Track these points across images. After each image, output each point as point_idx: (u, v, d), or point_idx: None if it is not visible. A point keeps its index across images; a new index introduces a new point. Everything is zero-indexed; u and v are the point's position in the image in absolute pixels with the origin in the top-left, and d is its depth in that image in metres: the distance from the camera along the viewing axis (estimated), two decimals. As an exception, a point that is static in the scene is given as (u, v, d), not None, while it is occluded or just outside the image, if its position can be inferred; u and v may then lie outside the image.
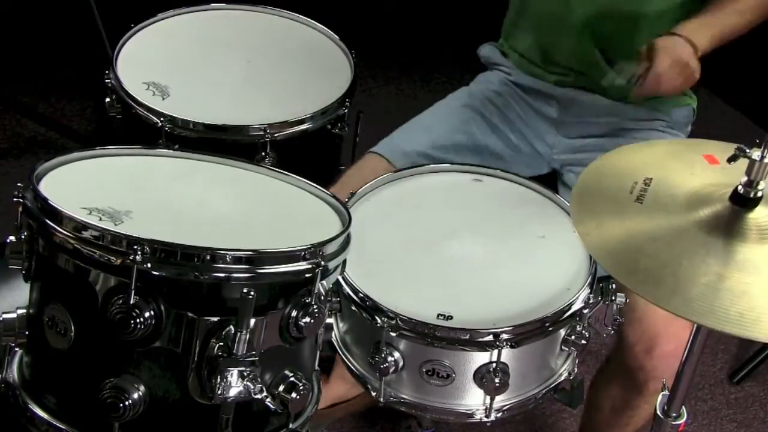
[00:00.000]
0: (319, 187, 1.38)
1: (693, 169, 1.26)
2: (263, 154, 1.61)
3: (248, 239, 1.19)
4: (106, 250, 1.07)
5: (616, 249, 1.15)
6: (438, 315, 1.32)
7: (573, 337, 1.36)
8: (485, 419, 1.36)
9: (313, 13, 1.95)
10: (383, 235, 1.48)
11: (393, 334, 1.31)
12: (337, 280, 1.33)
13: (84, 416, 1.15)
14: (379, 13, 3.38)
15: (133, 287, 1.06)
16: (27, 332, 1.19)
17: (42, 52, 3.02)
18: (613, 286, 1.38)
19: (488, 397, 1.34)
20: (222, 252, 1.08)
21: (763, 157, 1.12)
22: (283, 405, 1.17)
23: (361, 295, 1.34)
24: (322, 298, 1.19)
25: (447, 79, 3.14)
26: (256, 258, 1.11)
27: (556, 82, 1.85)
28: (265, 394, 1.13)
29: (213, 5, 1.94)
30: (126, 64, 1.73)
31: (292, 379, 1.18)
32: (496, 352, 1.29)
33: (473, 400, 1.35)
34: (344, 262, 1.24)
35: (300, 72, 1.81)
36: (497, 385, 1.30)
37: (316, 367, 1.31)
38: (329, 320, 1.34)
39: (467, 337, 1.29)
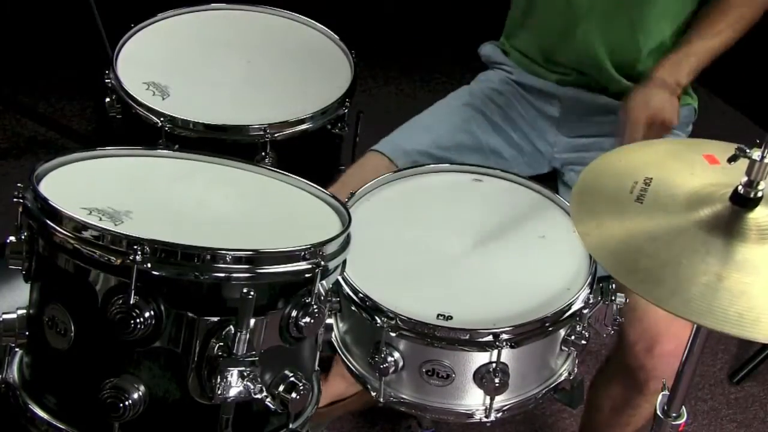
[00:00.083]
0: (319, 187, 1.37)
1: (693, 168, 1.26)
2: (263, 154, 1.61)
3: (248, 239, 1.19)
4: (106, 250, 1.07)
5: (616, 249, 1.15)
6: (438, 315, 1.32)
7: (573, 337, 1.36)
8: (485, 419, 1.36)
9: (313, 13, 1.95)
10: (383, 235, 1.48)
11: (393, 334, 1.31)
12: (337, 280, 1.33)
13: (84, 416, 1.15)
14: (379, 13, 3.38)
15: (133, 287, 1.06)
16: (27, 332, 1.18)
17: (42, 52, 3.02)
18: (613, 286, 1.38)
19: (488, 397, 1.34)
20: (222, 252, 1.08)
21: (763, 157, 1.12)
22: (283, 405, 1.17)
23: (361, 295, 1.34)
24: (322, 298, 1.19)
25: (447, 79, 3.14)
26: (256, 258, 1.11)
27: (557, 81, 1.85)
28: (265, 394, 1.13)
29: (213, 5, 1.94)
30: (126, 64, 1.73)
31: (292, 379, 1.18)
32: (495, 352, 1.29)
33: (473, 400, 1.35)
34: (344, 262, 1.24)
35: (300, 72, 1.81)
36: (497, 385, 1.30)
37: (316, 367, 1.31)
38: (329, 320, 1.34)
39: (467, 337, 1.29)
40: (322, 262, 1.15)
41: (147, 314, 1.08)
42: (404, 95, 3.18)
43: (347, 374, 1.45)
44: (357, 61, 1.82)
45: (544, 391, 1.40)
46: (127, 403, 1.10)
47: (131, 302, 1.06)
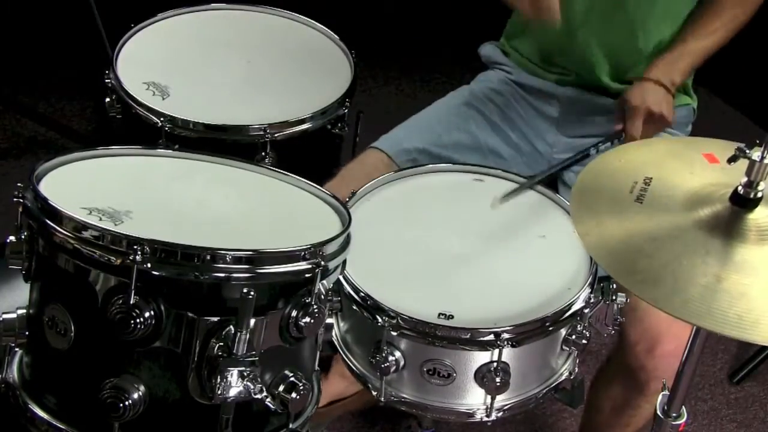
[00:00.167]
0: (319, 187, 1.38)
1: (693, 168, 1.26)
2: (263, 154, 1.61)
3: (248, 239, 1.19)
4: (106, 250, 1.07)
5: (616, 249, 1.15)
6: (439, 314, 1.32)
7: (574, 336, 1.36)
8: (486, 419, 1.36)
9: (313, 13, 1.95)
10: (384, 234, 1.48)
11: (394, 334, 1.31)
12: (338, 279, 1.33)
13: (84, 416, 1.15)
14: (379, 13, 3.38)
15: (133, 287, 1.06)
16: (27, 332, 1.19)
17: (42, 52, 3.02)
18: (614, 285, 1.38)
19: (489, 397, 1.34)
20: (222, 252, 1.08)
21: (763, 157, 1.12)
22: (283, 405, 1.17)
23: (362, 294, 1.34)
24: (322, 298, 1.19)
25: (447, 79, 3.14)
26: (256, 258, 1.11)
27: (556, 81, 1.85)
28: (265, 394, 1.13)
29: (213, 5, 1.94)
30: (126, 64, 1.73)
31: (292, 379, 1.18)
32: (497, 351, 1.29)
33: (474, 399, 1.35)
34: (344, 262, 1.24)
35: (300, 72, 1.81)
36: (498, 384, 1.30)
37: (316, 367, 1.31)
38: (329, 320, 1.34)
39: (468, 336, 1.29)
40: (322, 262, 1.15)
41: (147, 314, 1.08)
42: (404, 95, 3.18)
43: (347, 373, 1.45)
44: (357, 61, 1.82)
45: (544, 391, 1.40)
46: (127, 403, 1.10)
47: (131, 302, 1.06)
